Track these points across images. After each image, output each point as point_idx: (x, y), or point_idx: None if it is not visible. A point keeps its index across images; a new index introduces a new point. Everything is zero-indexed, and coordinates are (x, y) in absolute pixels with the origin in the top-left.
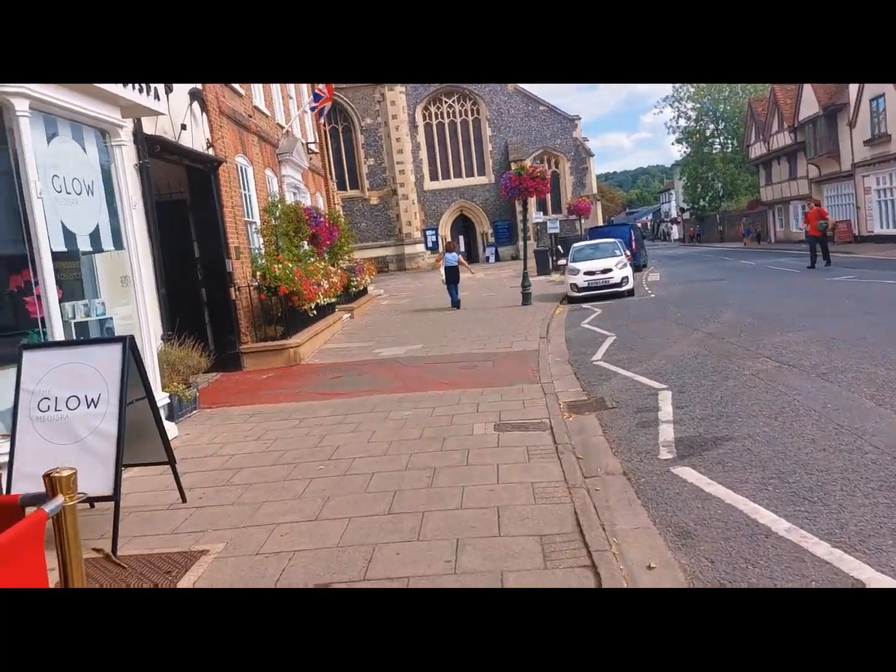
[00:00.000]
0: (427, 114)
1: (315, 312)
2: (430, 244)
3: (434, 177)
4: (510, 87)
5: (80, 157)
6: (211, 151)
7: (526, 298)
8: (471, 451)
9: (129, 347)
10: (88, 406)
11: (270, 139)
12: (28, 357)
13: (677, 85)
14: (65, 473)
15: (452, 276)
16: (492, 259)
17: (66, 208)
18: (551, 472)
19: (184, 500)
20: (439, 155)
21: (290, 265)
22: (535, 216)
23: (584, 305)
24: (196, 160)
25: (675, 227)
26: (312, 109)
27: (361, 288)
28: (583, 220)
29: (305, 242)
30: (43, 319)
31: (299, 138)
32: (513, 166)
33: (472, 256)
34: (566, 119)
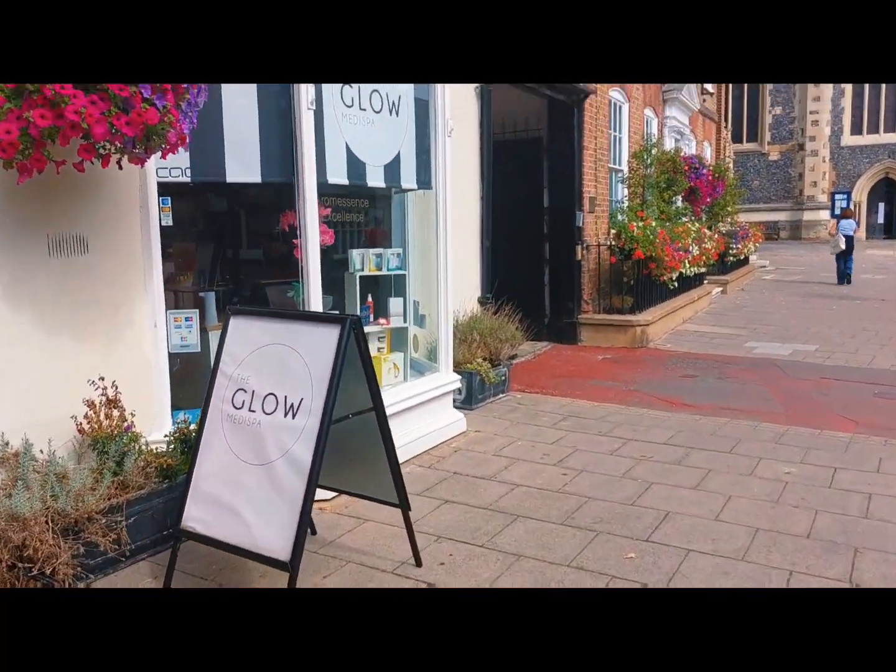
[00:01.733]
0: None
1: (676, 284)
2: (837, 211)
3: (856, 130)
4: None
5: None
6: None
7: None
8: None
9: (352, 332)
10: (286, 413)
11: None
12: (235, 325)
13: None
14: None
15: (850, 247)
16: None
17: (355, 128)
18: None
19: (418, 563)
20: (868, 103)
21: (654, 224)
22: None
23: None
24: (559, 90)
25: None
26: None
27: (742, 257)
28: None
29: (679, 198)
30: (303, 269)
31: None
32: None
33: (892, 231)
34: None
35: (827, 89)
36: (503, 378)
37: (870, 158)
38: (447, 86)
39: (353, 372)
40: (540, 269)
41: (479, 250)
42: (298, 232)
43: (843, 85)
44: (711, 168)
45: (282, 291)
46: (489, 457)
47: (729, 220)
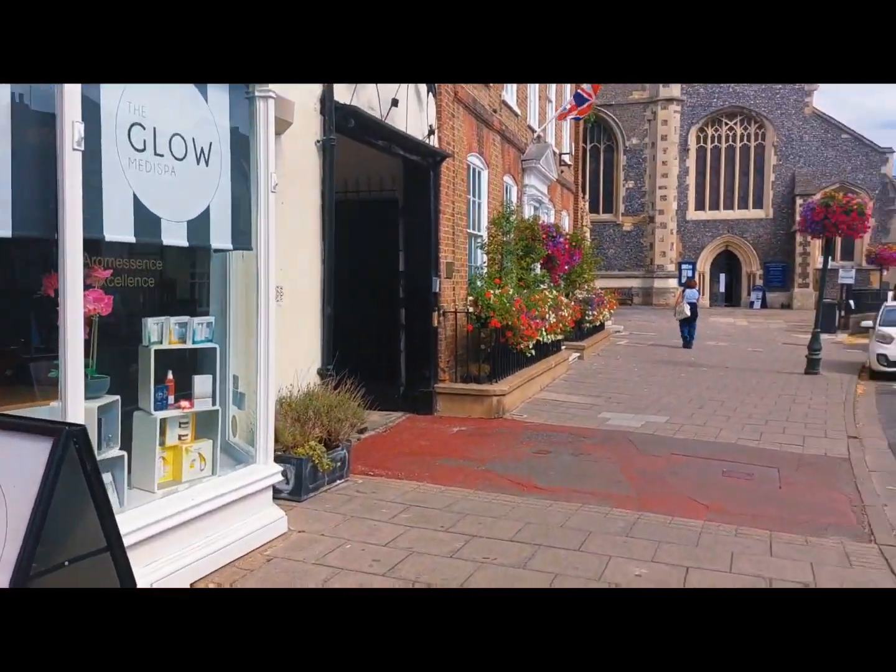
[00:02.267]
0: (702, 136)
1: (533, 352)
2: (683, 279)
3: (700, 206)
4: (808, 109)
5: (195, 102)
6: (433, 142)
7: (812, 365)
8: None
9: (71, 447)
10: None
11: (516, 142)
12: None
13: None
14: None
15: (694, 313)
16: (757, 305)
17: (147, 176)
18: None
19: None
20: (710, 182)
21: (511, 291)
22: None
23: None
24: (411, 150)
25: None
26: (576, 119)
27: (598, 323)
28: (884, 273)
29: (538, 265)
30: (62, 344)
31: (551, 145)
32: (798, 201)
33: (732, 299)
34: (875, 151)
35: (674, 167)
36: (341, 462)
37: (712, 232)
38: (271, 134)
39: (78, 500)
40: (395, 336)
41: (321, 317)
42: (59, 298)
43: (687, 163)
44: (568, 237)
45: (48, 369)
46: (308, 566)
47: (586, 286)
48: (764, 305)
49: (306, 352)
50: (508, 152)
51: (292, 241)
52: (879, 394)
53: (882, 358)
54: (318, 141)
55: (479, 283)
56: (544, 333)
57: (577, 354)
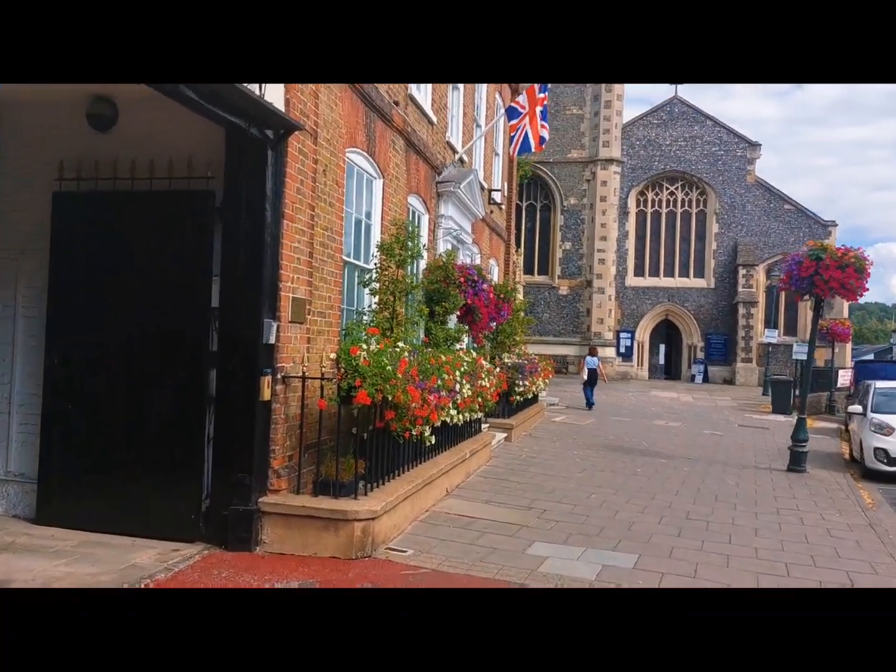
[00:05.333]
0: (642, 199)
1: (433, 440)
2: (622, 349)
3: (639, 272)
4: (750, 177)
5: None
6: (279, 106)
7: (797, 460)
8: None
9: None
10: None
11: (429, 156)
12: None
13: None
14: None
15: (592, 379)
16: (699, 379)
17: None
18: None
19: None
20: (649, 248)
21: (402, 348)
22: (767, 335)
23: None
24: (235, 107)
25: None
26: (520, 145)
27: (530, 395)
28: (836, 349)
29: (454, 317)
30: None
31: (477, 171)
32: (741, 271)
33: (671, 372)
34: (818, 224)
35: (613, 230)
36: None
37: (652, 300)
38: None
39: None
40: (197, 415)
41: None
42: None
43: (627, 227)
44: (495, 286)
45: None
46: None
47: (516, 350)
48: (706, 380)
49: None
50: (417, 167)
51: None
52: (893, 504)
53: (881, 454)
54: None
55: (360, 334)
56: (454, 411)
57: (504, 435)
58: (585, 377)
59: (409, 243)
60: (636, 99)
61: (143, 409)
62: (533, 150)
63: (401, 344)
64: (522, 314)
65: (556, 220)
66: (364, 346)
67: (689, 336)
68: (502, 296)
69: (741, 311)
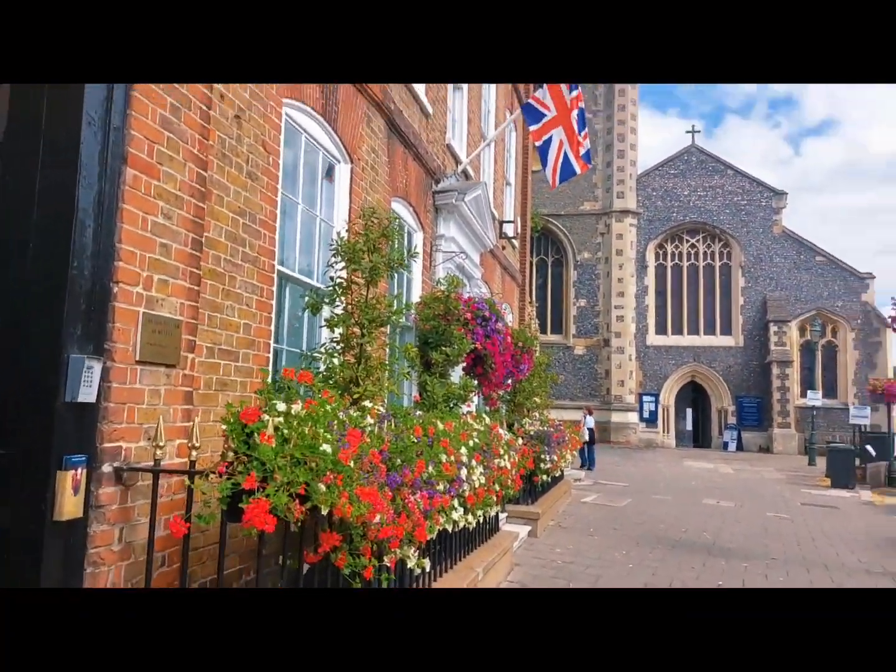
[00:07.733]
0: (661, 252)
1: (426, 565)
2: (646, 413)
3: (661, 330)
4: (777, 228)
5: None
6: None
7: None
8: None
9: None
10: None
11: (422, 154)
12: None
13: None
14: None
15: (592, 438)
16: (732, 447)
17: None
18: None
19: None
20: (671, 304)
21: (368, 409)
22: (810, 396)
23: None
24: None
25: None
26: (560, 170)
27: (557, 473)
28: (892, 412)
29: (460, 367)
30: None
31: (486, 184)
32: (772, 328)
33: (699, 439)
34: (854, 276)
35: (630, 285)
36: None
37: (676, 360)
38: None
39: None
40: None
41: None
42: None
43: (646, 282)
44: (512, 331)
45: None
46: None
47: (538, 415)
48: (740, 447)
49: None
50: (406, 164)
51: None
52: None
53: None
54: None
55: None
56: (458, 512)
57: (528, 529)
58: (586, 436)
59: (391, 243)
60: (647, 148)
61: None
62: (578, 172)
63: (367, 403)
64: (544, 369)
65: (569, 275)
66: (277, 408)
67: (718, 399)
68: (521, 344)
69: (775, 371)
